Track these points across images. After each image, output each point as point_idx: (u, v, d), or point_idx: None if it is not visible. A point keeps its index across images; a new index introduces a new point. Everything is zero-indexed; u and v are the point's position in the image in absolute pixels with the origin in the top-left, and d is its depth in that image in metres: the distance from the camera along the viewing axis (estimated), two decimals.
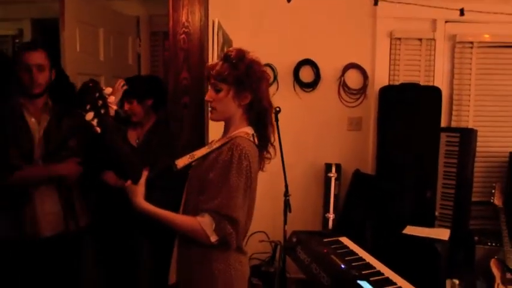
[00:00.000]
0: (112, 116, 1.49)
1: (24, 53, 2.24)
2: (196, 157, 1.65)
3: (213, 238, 1.53)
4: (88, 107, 1.41)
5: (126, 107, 2.56)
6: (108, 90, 1.45)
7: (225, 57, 1.64)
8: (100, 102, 1.42)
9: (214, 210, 1.52)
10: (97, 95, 1.42)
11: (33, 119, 2.29)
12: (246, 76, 1.60)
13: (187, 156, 1.65)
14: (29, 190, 2.25)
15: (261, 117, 1.67)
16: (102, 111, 1.42)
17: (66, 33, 3.04)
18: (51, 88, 2.36)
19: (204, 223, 1.52)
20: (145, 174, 1.58)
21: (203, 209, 1.54)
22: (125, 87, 2.51)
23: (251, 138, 1.64)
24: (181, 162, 1.64)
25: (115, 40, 3.60)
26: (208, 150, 1.64)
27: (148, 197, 1.58)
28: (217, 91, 1.64)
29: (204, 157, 1.65)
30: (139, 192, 1.55)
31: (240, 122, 1.67)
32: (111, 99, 1.45)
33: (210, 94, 1.66)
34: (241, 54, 1.63)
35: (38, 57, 2.25)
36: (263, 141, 1.69)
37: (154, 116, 2.66)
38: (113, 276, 2.73)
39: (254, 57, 1.66)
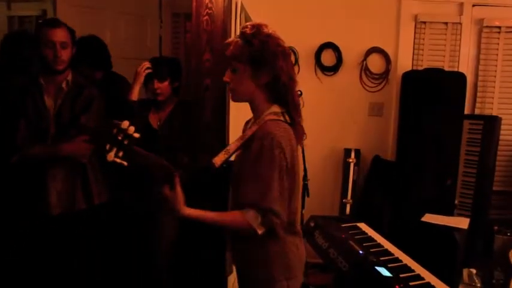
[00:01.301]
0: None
1: (48, 30, 2.25)
2: (231, 151, 1.59)
3: (260, 230, 1.51)
4: (108, 147, 1.37)
5: (156, 85, 2.57)
6: (125, 124, 1.38)
7: (240, 34, 1.56)
8: (120, 136, 1.37)
9: (257, 205, 1.49)
10: (115, 131, 1.37)
11: (50, 98, 2.32)
12: (261, 53, 1.52)
13: (223, 152, 1.59)
14: (40, 168, 2.28)
15: (283, 95, 1.60)
16: (126, 142, 1.38)
17: None
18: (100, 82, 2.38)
19: (251, 218, 1.49)
20: (177, 179, 1.51)
21: (245, 203, 1.51)
22: (148, 71, 2.53)
23: (281, 118, 1.58)
24: (218, 160, 1.57)
25: (131, 22, 3.62)
26: (242, 141, 1.59)
27: (189, 200, 1.55)
28: (234, 71, 1.57)
29: (241, 148, 1.60)
30: (179, 200, 1.50)
31: (264, 102, 1.60)
32: (131, 129, 1.38)
33: (227, 74, 1.60)
34: (256, 29, 1.55)
35: (61, 35, 2.27)
36: (292, 119, 1.63)
37: (176, 98, 2.68)
38: (127, 257, 2.77)
39: (271, 31, 1.58)
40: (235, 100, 1.66)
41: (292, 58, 3.77)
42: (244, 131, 1.73)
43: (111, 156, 1.37)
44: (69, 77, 2.37)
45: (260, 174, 1.49)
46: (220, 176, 1.70)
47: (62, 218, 2.34)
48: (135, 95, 2.56)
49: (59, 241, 2.35)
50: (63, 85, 2.34)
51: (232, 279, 2.61)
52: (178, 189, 1.50)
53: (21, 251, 2.31)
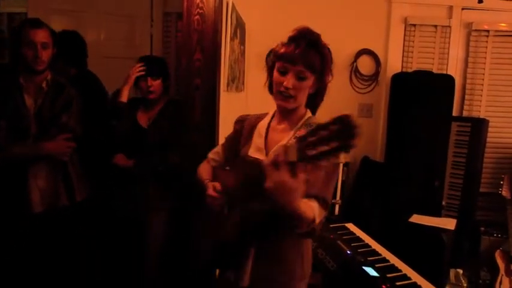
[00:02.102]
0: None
1: (30, 30, 2.27)
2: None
3: (316, 222, 1.38)
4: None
5: (150, 83, 2.58)
6: None
7: (310, 42, 1.50)
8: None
9: (321, 197, 1.41)
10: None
11: (30, 97, 2.34)
12: (327, 64, 1.52)
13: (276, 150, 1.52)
14: (22, 167, 2.30)
15: (318, 101, 1.61)
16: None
17: None
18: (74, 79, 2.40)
19: (318, 215, 1.38)
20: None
21: (315, 197, 1.40)
22: (140, 73, 2.55)
23: None
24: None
25: (122, 22, 3.63)
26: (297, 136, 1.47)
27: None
28: (301, 79, 1.49)
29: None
30: (303, 191, 1.22)
31: (301, 106, 1.59)
32: None
33: (292, 81, 1.48)
34: (320, 38, 1.52)
35: (43, 35, 2.29)
36: None
37: (165, 97, 2.69)
38: (115, 253, 2.77)
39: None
40: (290, 107, 1.56)
41: None
42: (265, 127, 1.65)
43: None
44: (49, 77, 2.39)
45: (328, 170, 1.43)
46: None
47: (45, 216, 2.36)
48: (124, 96, 2.57)
49: (43, 239, 2.36)
50: (43, 85, 2.37)
51: None
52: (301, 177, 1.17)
53: (4, 249, 2.31)
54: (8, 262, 2.31)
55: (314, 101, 1.61)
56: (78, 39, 3.09)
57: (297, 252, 1.59)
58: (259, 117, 1.72)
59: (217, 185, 1.60)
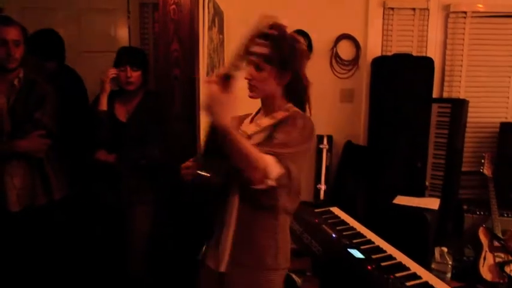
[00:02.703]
0: None
1: (1, 28, 2.24)
2: (263, 126, 1.61)
3: (270, 182, 1.43)
4: None
5: (129, 73, 2.53)
6: None
7: (267, 36, 1.55)
8: None
9: (283, 157, 1.44)
10: None
11: (2, 96, 2.31)
12: (290, 56, 1.57)
13: (253, 124, 1.65)
14: None
15: (301, 95, 1.66)
16: None
17: None
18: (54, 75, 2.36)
19: (271, 164, 1.42)
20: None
21: (271, 151, 1.44)
22: (113, 76, 2.52)
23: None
24: (249, 130, 1.62)
25: (99, 15, 3.60)
26: (274, 121, 1.60)
27: None
28: (259, 69, 1.58)
29: (269, 131, 1.60)
30: (234, 107, 1.31)
31: (281, 99, 1.65)
32: None
33: (251, 72, 1.59)
34: (283, 32, 1.58)
35: (14, 33, 2.27)
36: None
37: (143, 90, 2.65)
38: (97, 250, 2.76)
39: (292, 33, 1.62)
40: (254, 97, 1.65)
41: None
42: (248, 123, 1.74)
43: None
44: (21, 74, 2.37)
45: (295, 139, 1.50)
46: None
47: (22, 215, 2.34)
48: (103, 104, 2.53)
49: (20, 238, 2.34)
50: (15, 82, 2.34)
51: None
52: (232, 89, 1.31)
53: None
54: None
55: (293, 93, 1.65)
56: (54, 36, 3.05)
57: (269, 239, 1.61)
58: (245, 117, 1.80)
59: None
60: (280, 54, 1.55)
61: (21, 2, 3.60)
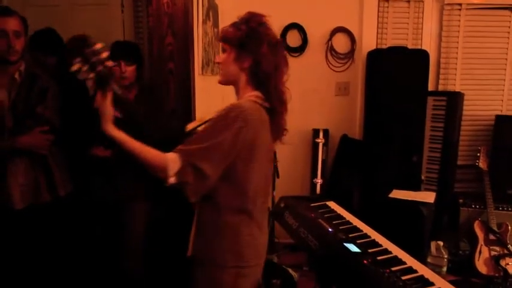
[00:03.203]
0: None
1: (0, 19, 2.16)
2: (206, 119, 1.63)
3: (171, 179, 1.46)
4: (78, 59, 1.33)
5: (124, 68, 2.48)
6: (98, 45, 1.36)
7: (237, 20, 1.63)
8: (94, 59, 1.34)
9: (186, 154, 1.46)
10: (88, 52, 1.35)
11: (3, 90, 2.24)
12: (247, 38, 1.57)
13: (197, 120, 1.63)
14: (1, 164, 2.22)
15: (263, 82, 1.61)
16: (99, 68, 1.36)
17: None
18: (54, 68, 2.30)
19: (171, 161, 1.45)
20: (110, 94, 1.50)
21: (176, 149, 1.48)
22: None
23: (260, 101, 1.60)
24: (190, 125, 1.65)
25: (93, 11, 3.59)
26: (198, 123, 1.66)
27: None
28: (223, 51, 1.64)
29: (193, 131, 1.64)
30: (109, 117, 1.48)
31: (246, 86, 1.63)
32: (104, 55, 1.37)
33: (219, 55, 1.67)
34: (248, 16, 1.61)
35: (14, 23, 2.18)
36: (271, 108, 1.63)
37: (137, 85, 2.62)
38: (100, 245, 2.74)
39: (264, 20, 1.62)
40: (220, 81, 1.69)
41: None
42: None
43: (83, 75, 1.35)
44: (22, 67, 2.29)
45: (210, 135, 1.48)
46: None
47: (27, 212, 2.29)
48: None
49: (25, 235, 2.30)
50: (16, 76, 2.27)
51: None
52: (109, 105, 1.48)
53: None
54: None
55: (255, 80, 1.61)
56: (53, 34, 3.07)
57: (216, 235, 1.61)
58: None
59: None
60: (238, 35, 1.58)
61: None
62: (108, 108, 1.47)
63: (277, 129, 1.69)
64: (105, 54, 1.38)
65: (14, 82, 2.27)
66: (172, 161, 1.44)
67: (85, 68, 1.35)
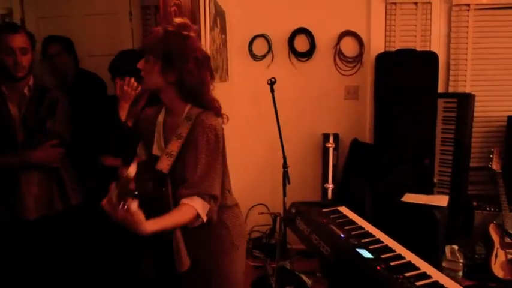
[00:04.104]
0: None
1: (7, 36, 2.20)
2: (176, 154, 1.61)
3: (205, 218, 1.58)
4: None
5: (132, 84, 2.41)
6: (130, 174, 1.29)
7: (163, 28, 1.60)
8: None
9: (205, 193, 1.57)
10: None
11: (14, 105, 2.28)
12: (173, 53, 1.56)
13: (165, 156, 1.61)
14: (13, 175, 2.26)
15: (191, 96, 1.64)
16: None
17: None
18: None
19: (200, 208, 1.55)
20: (135, 201, 1.36)
21: (193, 192, 1.56)
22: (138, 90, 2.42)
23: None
24: (164, 165, 1.60)
25: (103, 20, 3.63)
26: (182, 141, 1.61)
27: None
28: (146, 60, 1.62)
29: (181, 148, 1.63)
30: (141, 220, 1.37)
31: (178, 100, 1.65)
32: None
33: (141, 62, 1.65)
34: (178, 28, 1.58)
35: (20, 40, 2.22)
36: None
37: (147, 92, 2.61)
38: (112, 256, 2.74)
39: (193, 34, 1.61)
40: (143, 88, 1.83)
41: (266, 45, 3.77)
42: (162, 124, 1.74)
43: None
44: (31, 82, 2.33)
45: (208, 165, 1.58)
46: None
47: (40, 222, 2.32)
48: (124, 116, 2.47)
49: (38, 245, 2.32)
50: (25, 91, 2.31)
51: None
52: (136, 209, 1.35)
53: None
54: (4, 270, 2.27)
55: (186, 94, 1.64)
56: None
57: (221, 226, 1.78)
58: (159, 112, 1.78)
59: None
60: (164, 48, 1.56)
61: (37, 12, 3.68)
62: (138, 216, 1.36)
63: None
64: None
65: (24, 97, 2.31)
66: (200, 206, 1.55)
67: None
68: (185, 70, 1.57)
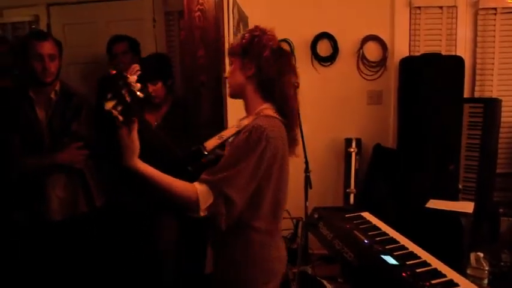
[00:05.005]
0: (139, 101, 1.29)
1: (36, 43, 2.29)
2: (225, 138, 1.56)
3: (203, 213, 1.40)
4: (109, 96, 1.27)
5: (151, 88, 2.51)
6: (132, 79, 1.29)
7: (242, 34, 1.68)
8: (125, 90, 1.28)
9: (216, 185, 1.40)
10: (120, 83, 1.29)
11: (41, 109, 2.36)
12: (250, 45, 1.59)
13: (216, 137, 1.57)
14: (39, 178, 2.33)
15: (269, 89, 1.60)
16: (128, 99, 1.27)
17: None
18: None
19: (202, 194, 1.39)
20: (135, 126, 1.32)
21: (204, 179, 1.41)
22: (138, 73, 2.48)
23: (275, 115, 1.57)
24: (210, 144, 1.54)
25: (127, 27, 3.68)
26: (238, 129, 1.54)
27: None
28: (230, 64, 1.67)
29: (234, 136, 1.56)
30: (136, 151, 1.33)
31: (256, 98, 1.61)
32: (137, 87, 1.29)
33: (227, 70, 1.68)
34: (255, 28, 1.64)
35: (49, 47, 2.31)
36: (286, 122, 1.61)
37: (171, 97, 2.65)
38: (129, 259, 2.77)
39: (269, 31, 1.63)
40: (230, 95, 1.70)
41: (287, 49, 3.76)
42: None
43: (108, 105, 1.25)
44: (58, 87, 2.42)
45: (236, 160, 1.43)
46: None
47: (65, 223, 2.39)
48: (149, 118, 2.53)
49: (64, 246, 2.38)
50: (52, 95, 2.39)
51: None
52: (135, 136, 1.31)
53: (25, 258, 2.33)
54: (30, 271, 2.33)
55: (262, 89, 1.60)
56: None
57: (241, 252, 1.58)
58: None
59: None
60: (241, 43, 1.61)
61: (63, 19, 3.76)
62: (134, 143, 1.31)
63: (292, 142, 1.67)
64: (137, 87, 1.29)
65: (51, 101, 2.39)
66: (203, 194, 1.39)
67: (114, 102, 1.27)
68: (261, 59, 1.58)
